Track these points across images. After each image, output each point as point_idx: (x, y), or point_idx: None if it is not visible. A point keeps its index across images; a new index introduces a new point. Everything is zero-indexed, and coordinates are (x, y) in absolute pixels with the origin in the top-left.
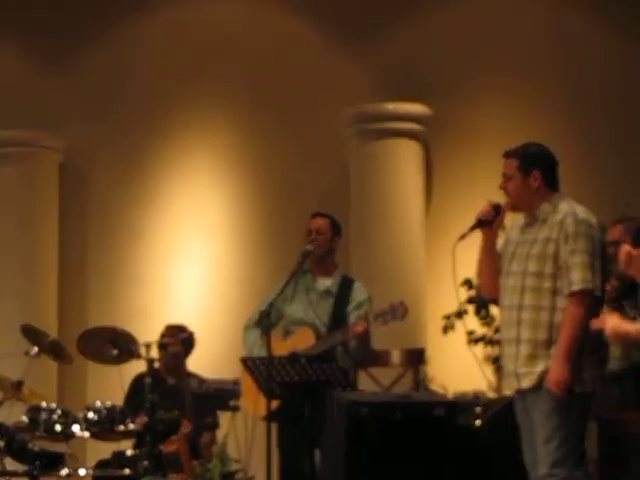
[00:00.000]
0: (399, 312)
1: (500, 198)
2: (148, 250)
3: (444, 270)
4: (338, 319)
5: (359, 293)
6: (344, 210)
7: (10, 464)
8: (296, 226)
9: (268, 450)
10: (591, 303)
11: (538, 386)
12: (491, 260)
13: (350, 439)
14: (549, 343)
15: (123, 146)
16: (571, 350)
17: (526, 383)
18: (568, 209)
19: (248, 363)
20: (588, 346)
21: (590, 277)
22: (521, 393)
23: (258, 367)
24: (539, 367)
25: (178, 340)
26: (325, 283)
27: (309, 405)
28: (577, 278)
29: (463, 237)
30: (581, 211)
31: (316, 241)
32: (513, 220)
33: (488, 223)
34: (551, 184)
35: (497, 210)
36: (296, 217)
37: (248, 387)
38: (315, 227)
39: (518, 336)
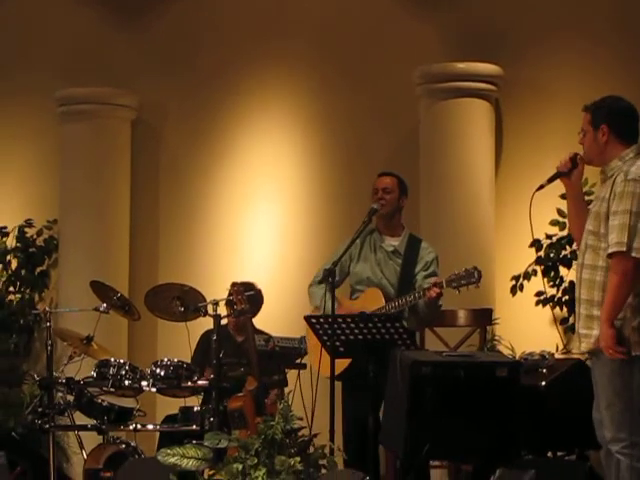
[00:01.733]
0: (473, 278)
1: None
2: (219, 207)
3: (513, 231)
4: (406, 279)
5: (426, 253)
6: (414, 170)
7: (79, 418)
8: (365, 184)
9: (332, 408)
10: (628, 266)
11: (596, 349)
12: (578, 212)
13: (412, 398)
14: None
15: (194, 103)
16: (611, 315)
17: (585, 345)
18: (627, 167)
19: (312, 321)
20: None
21: (625, 239)
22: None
23: (322, 325)
24: (595, 329)
25: (244, 297)
26: (392, 243)
27: (374, 364)
28: (612, 241)
29: (541, 188)
30: (638, 168)
31: (383, 200)
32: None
33: (566, 174)
34: (624, 138)
35: (574, 162)
36: (365, 175)
37: (314, 345)
38: (382, 186)
39: (579, 295)
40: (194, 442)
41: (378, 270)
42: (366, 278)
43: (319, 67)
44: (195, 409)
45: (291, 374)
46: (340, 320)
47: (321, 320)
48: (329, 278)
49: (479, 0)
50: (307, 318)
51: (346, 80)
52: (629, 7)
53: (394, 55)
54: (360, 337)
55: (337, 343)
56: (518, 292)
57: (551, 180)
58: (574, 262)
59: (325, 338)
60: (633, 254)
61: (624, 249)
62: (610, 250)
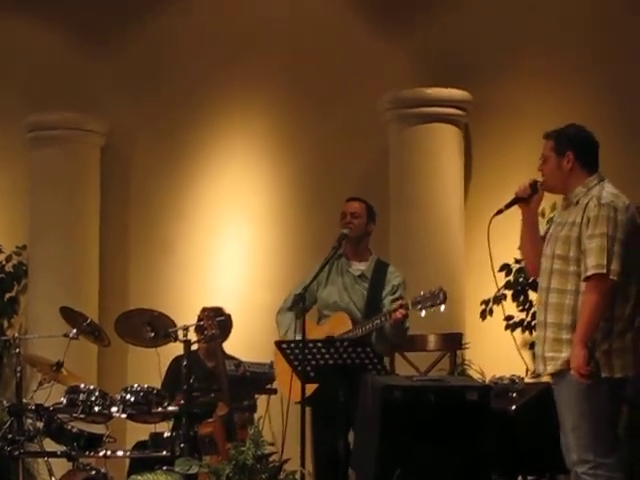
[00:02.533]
0: (438, 299)
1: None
2: (189, 232)
3: (483, 256)
4: (373, 303)
5: (393, 277)
6: (383, 196)
7: (49, 445)
8: (334, 210)
9: (302, 433)
10: (606, 288)
11: (563, 371)
12: (532, 239)
13: (383, 422)
14: (573, 327)
15: (163, 129)
16: (586, 336)
17: (551, 368)
18: (596, 192)
19: (283, 346)
20: (617, 330)
21: (604, 262)
22: (553, 379)
23: (293, 350)
24: (564, 352)
25: (215, 323)
26: (359, 267)
27: (344, 389)
28: (591, 263)
29: (499, 212)
30: (608, 194)
31: (351, 224)
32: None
33: (524, 200)
34: (587, 166)
35: (534, 188)
36: (334, 201)
37: (282, 370)
38: (350, 210)
39: (545, 319)
40: (165, 468)
41: (345, 294)
42: (333, 303)
43: (288, 91)
44: (165, 435)
45: (261, 399)
46: (310, 345)
47: (292, 345)
48: (299, 303)
49: (448, 25)
50: (277, 343)
51: (315, 104)
52: (600, 31)
53: (363, 80)
54: (330, 362)
55: (308, 368)
56: (488, 316)
57: (509, 205)
58: None
59: (296, 363)
60: (611, 276)
61: (604, 271)
62: (589, 272)
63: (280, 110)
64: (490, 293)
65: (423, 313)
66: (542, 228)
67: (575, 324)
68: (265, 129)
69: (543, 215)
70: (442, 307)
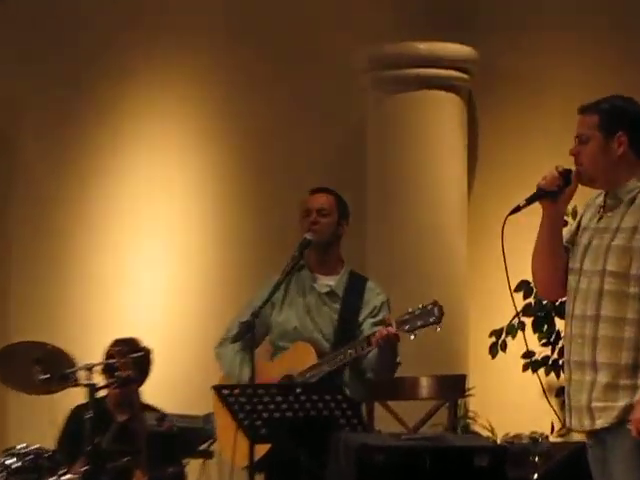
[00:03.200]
0: (432, 316)
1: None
2: (93, 244)
3: (493, 269)
4: (346, 330)
5: (374, 295)
6: (359, 187)
7: None
8: (292, 207)
9: None
10: None
11: (619, 424)
12: (552, 247)
13: None
14: (635, 369)
15: (59, 108)
16: None
17: (603, 421)
18: None
19: (224, 392)
20: None
21: None
22: (596, 436)
23: (238, 398)
24: (621, 401)
25: (129, 361)
26: (327, 282)
27: (306, 449)
28: None
29: (517, 210)
30: None
31: (316, 225)
32: (589, 198)
33: (552, 195)
34: None
35: (566, 179)
36: (293, 195)
37: (224, 426)
38: (316, 206)
39: (593, 359)
40: None
41: (308, 319)
42: (292, 330)
43: (229, 48)
44: None
45: (193, 465)
46: (262, 391)
47: (236, 391)
48: (247, 333)
49: None
50: (217, 389)
51: (267, 67)
52: None
53: (332, 33)
54: (288, 413)
55: (258, 422)
56: (500, 352)
57: (531, 201)
58: None
59: (241, 416)
60: None
61: None
62: None
63: (218, 76)
64: (503, 320)
65: (412, 336)
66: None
67: (638, 365)
68: (197, 100)
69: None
70: (438, 328)
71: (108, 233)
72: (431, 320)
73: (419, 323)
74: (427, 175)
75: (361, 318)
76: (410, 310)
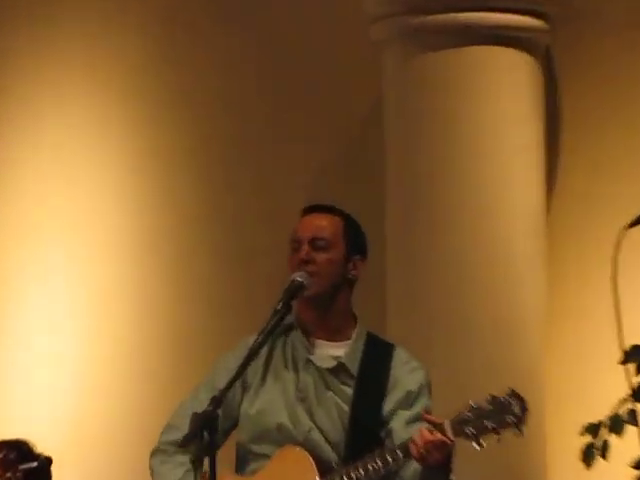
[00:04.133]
0: (509, 414)
1: None
2: None
3: (585, 318)
4: (364, 429)
5: (407, 371)
6: (374, 197)
7: None
8: (276, 235)
9: None
10: None
11: None
12: None
13: None
14: None
15: None
16: None
17: None
18: None
19: None
20: None
21: None
22: None
23: None
24: None
25: (19, 475)
26: (334, 353)
27: None
28: None
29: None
30: None
31: (312, 264)
32: None
33: None
34: None
35: None
36: (276, 217)
37: None
38: (308, 235)
39: None
40: None
41: (302, 410)
42: (276, 428)
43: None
44: None
45: None
46: None
47: None
48: (203, 431)
49: None
50: None
51: (239, 19)
52: None
53: None
54: None
55: None
56: (598, 459)
57: None
58: None
59: None
60: None
61: None
62: None
63: (165, 23)
64: (600, 409)
65: (477, 446)
66: None
67: None
68: (129, 78)
69: None
70: (518, 432)
71: None
72: (508, 420)
73: (489, 425)
74: (482, 173)
75: (388, 409)
76: (473, 405)
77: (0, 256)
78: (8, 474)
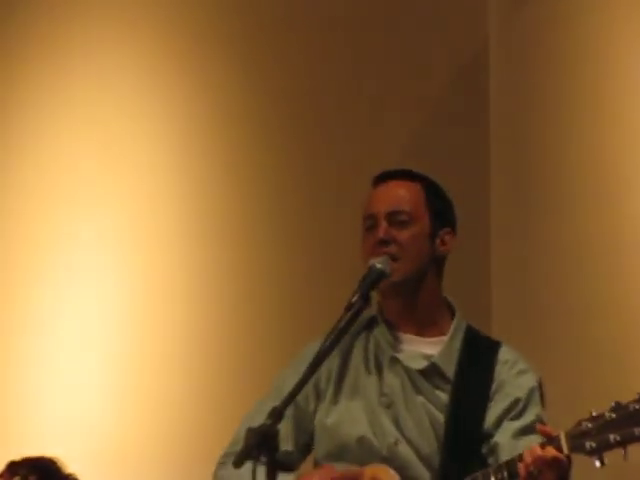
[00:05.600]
0: (637, 427)
1: None
2: None
3: None
4: (464, 441)
5: (514, 374)
6: (477, 170)
7: None
8: (345, 217)
9: None
10: None
11: None
12: None
13: None
14: None
15: None
16: None
17: None
18: None
19: None
20: None
21: None
22: None
23: None
24: None
25: None
26: (425, 351)
27: None
28: None
29: None
30: None
31: (393, 246)
32: None
33: None
34: None
35: None
36: (350, 195)
37: None
38: (387, 208)
39: None
40: None
41: (387, 419)
42: (356, 442)
43: None
44: None
45: None
46: None
47: None
48: (263, 446)
49: None
50: None
51: None
52: None
53: None
54: None
55: None
56: None
57: None
58: None
59: None
60: None
61: None
62: None
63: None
64: None
65: (598, 462)
66: None
67: None
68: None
69: None
70: None
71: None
72: (637, 432)
73: (613, 439)
74: (605, 139)
75: (491, 420)
76: (594, 414)
77: (29, 227)
78: None
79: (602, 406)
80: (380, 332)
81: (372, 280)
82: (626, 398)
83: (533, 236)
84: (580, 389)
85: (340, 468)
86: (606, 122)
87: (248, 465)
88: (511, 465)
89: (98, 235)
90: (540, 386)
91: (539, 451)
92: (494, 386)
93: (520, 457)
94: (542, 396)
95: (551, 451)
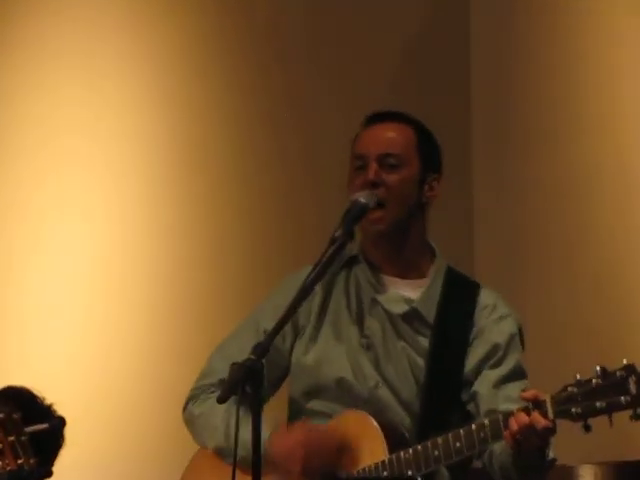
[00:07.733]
0: (623, 393)
1: None
2: None
3: None
4: (442, 387)
5: (494, 318)
6: (459, 117)
7: None
8: (326, 168)
9: None
10: None
11: None
12: None
13: None
14: None
15: None
16: None
17: None
18: None
19: None
20: None
21: None
22: None
23: None
24: None
25: (25, 438)
26: (406, 294)
27: None
28: None
29: None
30: None
31: (381, 185)
32: None
33: None
34: None
35: None
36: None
37: None
38: (379, 150)
39: None
40: None
41: (367, 359)
42: (335, 383)
43: None
44: None
45: None
46: None
47: None
48: (245, 385)
49: None
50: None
51: None
52: None
53: None
54: None
55: None
56: None
57: None
58: None
59: None
60: None
61: None
62: None
63: None
64: None
65: (585, 429)
66: None
67: None
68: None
69: None
70: (638, 414)
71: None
72: (623, 401)
73: (598, 405)
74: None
75: (470, 366)
76: (580, 378)
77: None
78: (11, 438)
79: (583, 346)
80: (361, 271)
81: (355, 214)
82: (607, 338)
83: (515, 173)
84: (561, 324)
85: (317, 407)
86: (589, 57)
87: (220, 407)
88: (494, 426)
89: (65, 205)
90: (520, 331)
91: (525, 419)
92: (474, 331)
93: (505, 421)
94: (522, 342)
95: (539, 420)
